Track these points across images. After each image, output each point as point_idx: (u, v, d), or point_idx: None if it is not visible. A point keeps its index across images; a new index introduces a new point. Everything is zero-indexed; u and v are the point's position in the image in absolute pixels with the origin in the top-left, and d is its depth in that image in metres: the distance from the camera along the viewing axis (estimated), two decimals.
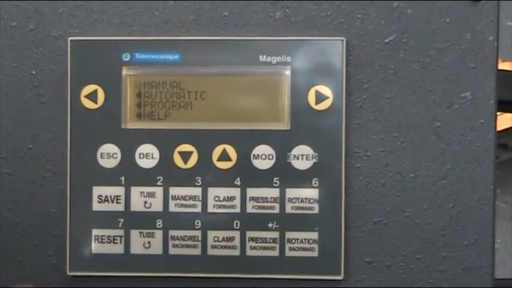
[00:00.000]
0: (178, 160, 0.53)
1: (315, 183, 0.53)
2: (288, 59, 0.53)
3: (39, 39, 0.54)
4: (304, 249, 0.53)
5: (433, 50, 0.53)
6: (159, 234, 0.54)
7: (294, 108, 0.53)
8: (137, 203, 0.54)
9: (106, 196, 0.54)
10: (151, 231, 0.54)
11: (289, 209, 0.53)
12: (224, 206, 0.53)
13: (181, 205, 0.53)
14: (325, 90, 0.53)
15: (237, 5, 0.54)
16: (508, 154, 1.79)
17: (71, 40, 0.54)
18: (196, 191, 0.53)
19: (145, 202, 0.54)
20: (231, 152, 0.53)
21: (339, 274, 0.53)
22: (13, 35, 0.55)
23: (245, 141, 0.53)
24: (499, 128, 0.54)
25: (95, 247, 0.54)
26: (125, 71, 0.54)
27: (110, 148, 0.54)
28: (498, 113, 0.54)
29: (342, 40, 0.53)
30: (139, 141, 0.54)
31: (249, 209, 0.53)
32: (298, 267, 0.53)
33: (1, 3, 0.54)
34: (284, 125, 0.53)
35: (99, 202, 0.54)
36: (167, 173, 0.53)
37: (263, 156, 0.53)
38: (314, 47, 0.53)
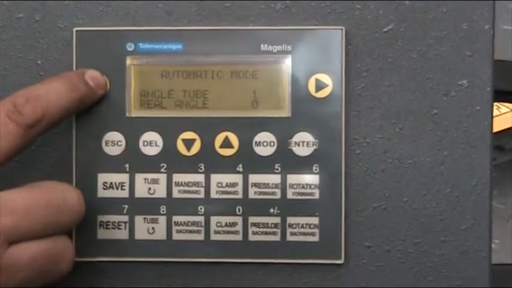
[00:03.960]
0: (181, 147, 0.54)
1: (316, 170, 0.54)
2: (289, 48, 0.54)
3: (45, 30, 0.56)
4: (305, 234, 0.54)
5: (431, 38, 0.54)
6: (162, 220, 0.55)
7: (295, 96, 0.54)
8: (141, 190, 0.55)
9: (111, 183, 0.55)
10: (155, 217, 0.55)
11: (290, 194, 0.54)
12: (227, 192, 0.54)
13: (185, 191, 0.54)
14: (325, 78, 0.54)
15: None
16: (505, 156, 1.80)
17: (76, 30, 0.55)
18: (199, 178, 0.54)
19: (149, 188, 0.55)
20: (233, 139, 0.54)
21: (339, 258, 0.54)
22: (19, 26, 0.56)
23: (247, 128, 0.54)
24: (495, 130, 0.55)
25: (100, 233, 0.55)
26: (129, 61, 0.55)
27: (114, 136, 0.55)
28: (495, 114, 0.55)
29: (342, 29, 0.54)
30: (143, 129, 0.55)
31: (251, 194, 0.54)
32: (299, 252, 0.54)
33: None
34: (285, 113, 0.54)
35: (104, 189, 0.55)
36: (171, 160, 0.55)
37: (265, 143, 0.54)
38: (314, 36, 0.54)
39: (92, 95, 0.53)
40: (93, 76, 0.53)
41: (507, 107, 1.62)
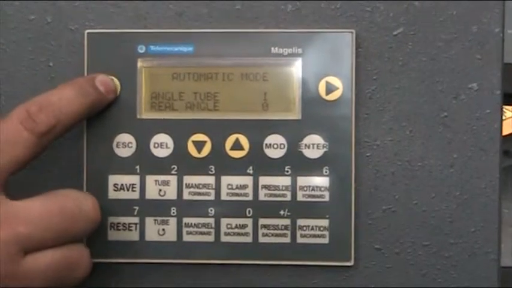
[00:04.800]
0: (192, 149, 0.55)
1: (326, 172, 0.54)
2: (299, 50, 0.54)
3: (56, 32, 0.56)
4: (315, 236, 0.54)
5: (440, 41, 0.54)
6: (173, 221, 0.55)
7: (305, 98, 0.54)
8: (152, 191, 0.55)
9: (122, 184, 0.55)
10: (165, 218, 0.55)
11: (300, 196, 0.54)
12: (237, 194, 0.55)
13: (195, 193, 0.55)
14: (335, 81, 0.54)
15: None
16: (510, 161, 1.80)
17: (87, 33, 0.55)
18: (210, 180, 0.55)
19: (160, 190, 0.55)
20: (244, 141, 0.54)
21: (349, 260, 0.54)
22: (31, 28, 0.56)
23: (257, 130, 0.54)
24: None
25: (111, 234, 0.55)
26: (140, 63, 0.55)
27: (125, 138, 0.55)
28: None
29: (352, 32, 0.54)
30: (154, 131, 0.55)
31: (261, 196, 0.54)
32: (309, 254, 0.55)
33: None
34: (295, 115, 0.54)
35: (114, 190, 0.55)
36: (181, 162, 0.55)
37: (275, 146, 0.54)
38: (324, 39, 0.54)
39: (103, 99, 0.54)
40: (103, 81, 0.54)
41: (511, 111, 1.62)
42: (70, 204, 0.48)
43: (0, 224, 0.45)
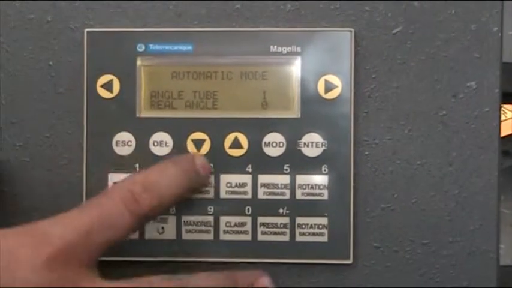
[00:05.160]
0: (191, 148, 0.55)
1: (325, 170, 0.54)
2: (298, 49, 0.55)
3: (56, 31, 0.56)
4: (314, 234, 0.54)
5: (439, 40, 0.55)
6: (172, 219, 0.55)
7: (304, 97, 0.54)
8: None
9: None
10: (165, 216, 0.55)
11: (299, 195, 0.54)
12: (236, 192, 0.55)
13: None
14: (334, 79, 0.54)
15: None
16: (510, 161, 1.79)
17: (87, 31, 0.55)
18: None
19: None
20: (243, 139, 0.55)
21: (348, 259, 0.55)
22: (31, 27, 0.56)
23: (256, 129, 0.55)
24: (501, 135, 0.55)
25: None
26: (139, 62, 0.55)
27: (125, 136, 0.55)
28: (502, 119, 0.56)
29: (351, 31, 0.54)
30: (154, 129, 0.55)
31: (260, 195, 0.55)
32: (308, 252, 0.55)
33: None
34: (294, 114, 0.54)
35: None
36: None
37: (274, 144, 0.54)
38: (323, 37, 0.54)
39: (202, 183, 0.54)
40: (203, 164, 0.53)
41: None
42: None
43: None
